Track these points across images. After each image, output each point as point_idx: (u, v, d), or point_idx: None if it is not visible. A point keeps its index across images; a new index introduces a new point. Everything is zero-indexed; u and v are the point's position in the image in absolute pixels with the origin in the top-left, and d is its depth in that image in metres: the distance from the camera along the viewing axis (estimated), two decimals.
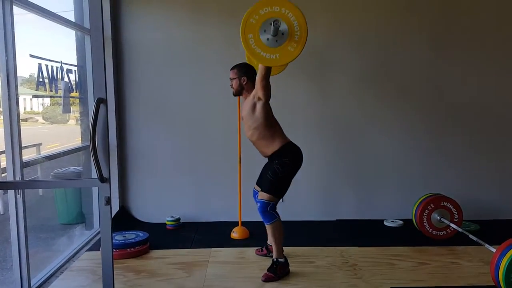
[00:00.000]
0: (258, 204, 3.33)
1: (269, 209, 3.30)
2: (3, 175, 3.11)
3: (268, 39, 2.95)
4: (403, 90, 4.79)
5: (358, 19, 4.70)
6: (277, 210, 3.36)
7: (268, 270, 3.34)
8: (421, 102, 4.80)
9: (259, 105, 3.33)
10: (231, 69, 3.59)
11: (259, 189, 3.60)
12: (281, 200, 3.40)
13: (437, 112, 4.81)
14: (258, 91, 3.28)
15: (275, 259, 3.37)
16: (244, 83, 3.48)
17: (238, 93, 3.55)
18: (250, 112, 3.38)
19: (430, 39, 4.73)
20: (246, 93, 3.50)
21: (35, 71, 3.46)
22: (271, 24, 2.85)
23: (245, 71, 3.50)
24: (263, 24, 2.94)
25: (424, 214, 4.16)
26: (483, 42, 4.75)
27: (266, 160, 3.53)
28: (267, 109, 3.36)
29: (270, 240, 3.62)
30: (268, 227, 3.37)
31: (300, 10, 2.95)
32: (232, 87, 3.56)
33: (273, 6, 2.92)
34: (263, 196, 3.33)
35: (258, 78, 3.24)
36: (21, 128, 3.05)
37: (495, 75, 4.80)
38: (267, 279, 3.29)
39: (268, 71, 3.18)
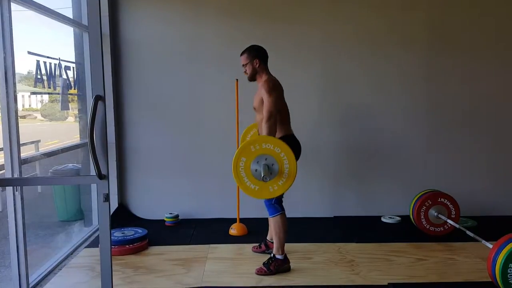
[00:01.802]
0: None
1: (273, 203, 3.33)
2: (1, 172, 3.11)
3: (256, 170, 3.10)
4: (402, 87, 4.80)
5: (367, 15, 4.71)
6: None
7: (263, 264, 3.37)
8: (420, 99, 4.81)
9: (266, 100, 3.29)
10: (241, 54, 3.45)
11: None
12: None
13: (435, 109, 4.82)
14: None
15: (272, 255, 3.39)
16: (257, 65, 3.38)
17: (253, 77, 3.44)
18: (259, 102, 3.36)
19: (431, 37, 4.74)
20: (259, 77, 3.41)
21: (33, 68, 3.46)
22: (263, 175, 3.01)
23: (256, 53, 3.38)
24: (259, 156, 3.08)
25: (422, 210, 4.18)
26: (485, 41, 4.77)
27: None
28: (274, 102, 3.29)
29: (271, 235, 3.63)
30: (271, 220, 3.40)
31: (295, 162, 3.09)
32: (246, 73, 3.45)
33: (276, 146, 3.08)
34: None
35: (264, 106, 3.25)
36: (20, 125, 3.05)
37: (493, 73, 4.80)
38: (259, 273, 3.32)
39: (272, 122, 3.21)
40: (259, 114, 3.42)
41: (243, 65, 3.45)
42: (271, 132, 3.20)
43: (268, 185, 3.09)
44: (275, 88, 3.30)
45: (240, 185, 3.15)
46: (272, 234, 3.45)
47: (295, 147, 3.40)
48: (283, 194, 3.38)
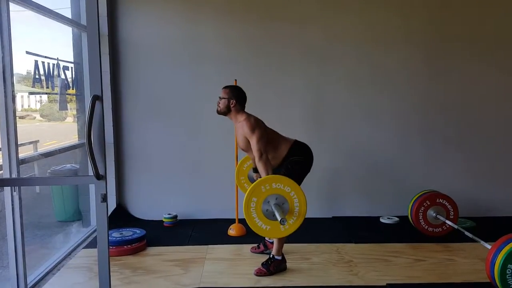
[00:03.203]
0: None
1: None
2: None
3: (267, 210, 3.09)
4: (401, 88, 4.80)
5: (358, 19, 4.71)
6: None
7: (262, 264, 3.37)
8: (418, 100, 4.82)
9: (252, 141, 3.32)
10: (224, 88, 3.52)
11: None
12: None
13: (433, 110, 4.83)
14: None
15: (271, 256, 3.39)
16: (232, 105, 3.43)
17: (223, 113, 3.49)
18: (245, 143, 3.40)
19: (428, 38, 4.74)
20: (233, 116, 3.47)
21: (32, 68, 3.46)
22: (279, 218, 2.98)
23: (237, 95, 3.44)
24: (269, 195, 3.08)
25: (420, 211, 4.18)
26: (483, 44, 4.77)
27: None
28: (262, 142, 3.32)
29: None
30: None
31: (305, 200, 3.10)
32: (218, 105, 3.50)
33: (286, 186, 3.07)
34: None
35: (252, 147, 3.29)
36: (19, 125, 3.05)
37: (493, 74, 4.81)
38: (258, 273, 3.32)
39: (265, 158, 3.25)
40: (250, 153, 3.49)
41: (219, 97, 3.50)
42: (268, 168, 3.23)
43: (280, 225, 3.08)
44: (256, 125, 3.35)
45: (252, 227, 3.12)
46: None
47: (308, 153, 3.47)
48: None
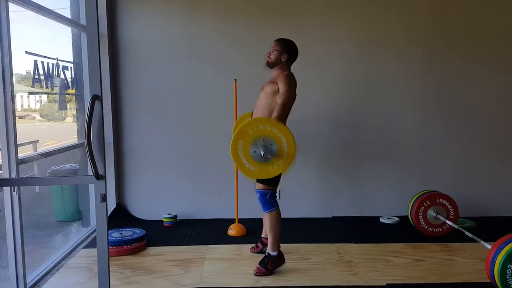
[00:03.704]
0: (258, 194, 3.37)
1: (268, 198, 3.34)
2: None
3: (255, 152, 3.10)
4: (401, 88, 4.80)
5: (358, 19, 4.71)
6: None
7: (260, 263, 3.37)
8: (418, 100, 4.81)
9: (280, 98, 3.29)
10: (277, 40, 3.45)
11: (254, 180, 3.62)
12: (277, 192, 3.41)
13: (433, 110, 4.82)
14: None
15: (267, 253, 3.39)
16: (283, 59, 3.39)
17: (272, 65, 3.43)
18: (270, 94, 3.33)
19: (428, 39, 4.74)
20: (279, 70, 3.42)
21: (31, 68, 3.45)
22: (263, 153, 3.01)
23: (289, 50, 3.39)
24: (257, 138, 3.08)
25: (420, 211, 4.18)
26: (485, 43, 4.76)
27: None
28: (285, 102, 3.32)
29: (266, 232, 3.62)
30: (265, 216, 3.38)
31: (294, 140, 3.10)
32: (269, 57, 3.42)
33: (273, 127, 3.08)
34: (259, 186, 3.37)
35: (277, 105, 3.26)
36: (18, 125, 3.05)
37: (492, 73, 4.81)
38: (258, 273, 3.32)
39: (284, 114, 3.26)
40: (264, 97, 3.38)
41: (272, 49, 3.42)
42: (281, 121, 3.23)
43: (268, 166, 3.07)
44: (294, 85, 3.37)
45: (239, 168, 3.13)
46: (268, 230, 3.42)
47: None
48: (276, 187, 3.40)
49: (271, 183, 3.35)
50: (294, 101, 3.39)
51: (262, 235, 3.82)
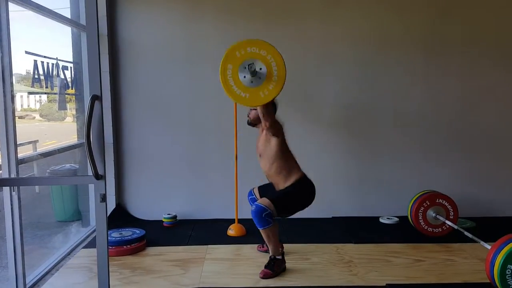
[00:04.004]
0: (254, 207, 3.23)
1: (264, 216, 3.21)
2: None
3: (244, 76, 3.02)
4: (400, 88, 4.79)
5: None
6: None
7: (266, 267, 3.36)
8: (417, 100, 4.81)
9: (273, 140, 3.35)
10: None
11: (258, 195, 3.60)
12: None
13: (433, 109, 4.82)
14: (267, 130, 3.30)
15: (272, 256, 3.38)
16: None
17: (254, 123, 3.54)
18: (265, 146, 3.40)
19: (425, 41, 4.74)
20: (260, 126, 3.48)
21: (31, 68, 3.46)
22: (248, 66, 2.96)
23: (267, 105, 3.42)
24: (245, 61, 3.01)
25: (420, 211, 4.17)
26: (483, 44, 4.76)
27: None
28: (282, 142, 3.37)
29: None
30: (261, 231, 3.30)
31: (284, 62, 3.02)
32: (248, 117, 3.54)
33: (261, 49, 3.00)
34: (263, 201, 3.26)
35: (262, 121, 3.25)
36: (18, 125, 3.05)
37: (491, 74, 4.80)
38: (265, 276, 3.30)
39: (267, 112, 3.18)
40: (264, 158, 3.43)
41: (250, 108, 3.50)
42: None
43: (259, 91, 2.99)
44: (281, 129, 3.38)
45: (229, 95, 3.05)
46: (266, 241, 3.38)
47: (310, 192, 3.44)
48: (278, 216, 3.31)
49: (278, 208, 3.26)
50: (287, 144, 3.45)
51: None
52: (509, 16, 4.75)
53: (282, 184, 3.42)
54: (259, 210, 3.21)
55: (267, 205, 3.22)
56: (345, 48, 4.73)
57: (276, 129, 3.32)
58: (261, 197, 3.48)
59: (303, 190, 3.41)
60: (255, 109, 3.44)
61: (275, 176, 3.43)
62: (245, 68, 3.00)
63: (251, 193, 3.77)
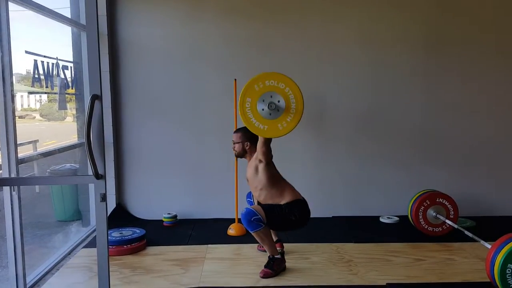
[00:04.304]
0: (245, 210, 3.25)
1: (252, 219, 3.22)
2: None
3: (263, 109, 3.09)
4: (400, 87, 4.79)
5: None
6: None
7: (265, 266, 3.36)
8: (418, 99, 4.81)
9: (261, 167, 3.39)
10: (235, 132, 3.64)
11: (256, 200, 3.62)
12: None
13: (433, 109, 4.82)
14: (260, 155, 3.35)
15: (271, 256, 3.38)
16: (247, 147, 3.54)
17: (240, 155, 3.61)
18: (254, 174, 3.44)
19: (425, 40, 4.74)
20: (249, 156, 3.55)
21: (31, 68, 3.46)
22: (268, 105, 3.05)
23: (249, 136, 3.51)
24: (264, 94, 3.07)
25: (420, 210, 4.18)
26: (483, 45, 4.76)
27: None
28: (269, 169, 3.41)
29: (274, 233, 3.66)
30: (254, 234, 3.30)
31: (301, 94, 3.11)
32: (234, 150, 3.62)
33: (280, 82, 3.07)
34: (256, 207, 3.29)
35: (259, 144, 3.31)
36: (18, 125, 3.05)
37: (491, 73, 4.80)
38: (265, 275, 3.30)
39: (269, 139, 3.27)
40: (253, 183, 3.49)
41: (233, 141, 3.61)
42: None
43: (277, 123, 3.06)
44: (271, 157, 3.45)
45: (248, 126, 3.14)
46: (260, 242, 3.39)
47: (305, 215, 3.45)
48: (267, 227, 3.30)
49: (269, 220, 3.27)
50: (273, 165, 3.51)
51: None
52: None
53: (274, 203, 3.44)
54: (248, 214, 3.23)
55: (258, 210, 3.25)
56: (345, 47, 4.73)
57: (269, 155, 3.39)
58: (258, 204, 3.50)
59: (298, 211, 3.39)
60: (238, 143, 3.56)
61: (266, 200, 3.46)
62: (264, 101, 3.07)
63: (249, 195, 3.77)
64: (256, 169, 3.42)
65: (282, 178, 3.53)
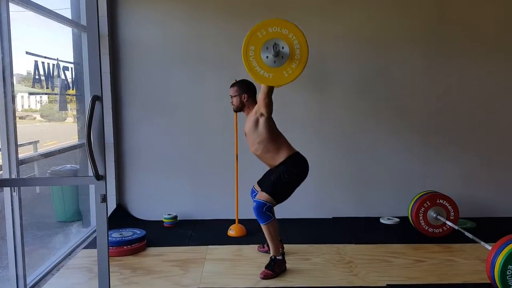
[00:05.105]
0: (255, 203, 3.30)
1: (264, 210, 3.27)
2: None
3: (267, 57, 3.02)
4: (400, 88, 4.79)
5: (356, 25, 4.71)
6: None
7: (266, 267, 3.36)
8: (418, 101, 4.81)
9: (261, 120, 3.36)
10: (231, 86, 3.58)
11: (259, 189, 3.60)
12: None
13: (434, 110, 4.82)
14: (260, 107, 3.31)
15: (272, 257, 3.38)
16: (245, 100, 3.49)
17: (238, 109, 3.57)
18: (253, 128, 3.41)
19: (426, 40, 4.74)
20: (248, 109, 3.51)
21: (32, 69, 3.46)
22: (272, 46, 2.96)
23: (246, 89, 3.49)
24: (267, 41, 3.01)
25: (420, 211, 4.17)
26: (483, 44, 4.76)
27: None
28: (270, 123, 3.39)
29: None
30: (263, 227, 3.34)
31: (306, 40, 3.01)
32: (232, 104, 3.58)
33: (283, 28, 3.00)
34: (261, 196, 3.31)
35: (261, 96, 3.26)
36: (19, 125, 3.05)
37: (492, 75, 4.80)
38: (265, 276, 3.30)
39: (271, 89, 3.22)
40: (251, 137, 3.45)
41: (230, 96, 3.56)
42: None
43: (282, 71, 3.00)
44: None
45: (253, 76, 3.06)
46: (267, 239, 3.39)
47: (304, 167, 3.44)
48: (278, 203, 3.34)
49: (275, 197, 3.32)
50: (272, 121, 3.46)
51: None
52: None
53: (273, 162, 3.43)
54: (259, 206, 3.27)
55: (265, 199, 3.28)
56: (345, 47, 4.73)
57: (271, 108, 3.33)
58: (261, 189, 3.49)
59: (295, 166, 3.40)
60: (235, 96, 3.50)
61: (262, 155, 3.45)
62: (267, 48, 3.00)
63: (253, 190, 3.76)
64: (256, 123, 3.38)
65: (281, 133, 3.49)
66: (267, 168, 3.61)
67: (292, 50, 3.00)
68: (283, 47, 3.00)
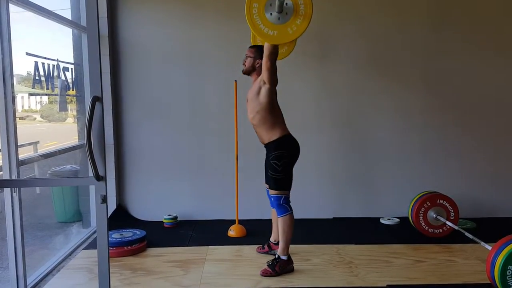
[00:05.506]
0: (271, 199, 3.41)
1: (282, 202, 3.37)
2: None
3: (271, 14, 2.96)
4: (401, 87, 4.79)
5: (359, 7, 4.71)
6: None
7: (268, 265, 3.37)
8: (419, 99, 4.81)
9: (264, 89, 3.34)
10: (250, 47, 3.55)
11: (267, 186, 3.62)
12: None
13: (434, 110, 4.82)
14: (263, 73, 3.28)
15: (277, 256, 3.39)
16: (257, 65, 3.46)
17: (248, 72, 3.53)
18: (255, 95, 3.39)
19: (432, 32, 4.73)
20: (256, 75, 3.49)
21: (32, 70, 3.46)
22: (280, 18, 2.93)
23: (262, 55, 3.40)
24: None
25: (421, 212, 4.17)
26: (484, 43, 4.76)
27: (264, 156, 3.52)
28: (271, 96, 3.37)
29: (277, 236, 3.63)
30: (280, 220, 3.38)
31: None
32: (244, 64, 3.53)
33: None
34: (272, 192, 3.41)
35: (264, 58, 3.22)
36: (19, 126, 3.05)
37: (493, 74, 4.80)
38: (264, 274, 3.31)
39: (273, 52, 3.16)
40: (252, 104, 3.43)
41: (246, 55, 3.52)
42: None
43: (286, 27, 2.95)
44: (276, 83, 3.39)
45: (257, 34, 3.00)
46: (280, 233, 3.42)
47: (294, 147, 3.44)
48: (289, 190, 3.41)
49: (282, 188, 3.38)
50: (276, 100, 3.46)
51: (270, 239, 3.81)
52: None
53: (266, 136, 3.42)
54: (276, 200, 3.39)
55: (276, 193, 3.38)
56: (346, 46, 4.73)
57: (273, 76, 3.30)
58: (268, 186, 3.50)
59: (286, 149, 3.40)
60: (250, 57, 3.48)
61: (258, 126, 3.44)
62: (271, 5, 2.95)
63: (267, 190, 3.74)
64: (259, 91, 3.36)
65: (280, 110, 3.48)
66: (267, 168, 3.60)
67: (296, 5, 2.95)
68: (286, 3, 2.94)
